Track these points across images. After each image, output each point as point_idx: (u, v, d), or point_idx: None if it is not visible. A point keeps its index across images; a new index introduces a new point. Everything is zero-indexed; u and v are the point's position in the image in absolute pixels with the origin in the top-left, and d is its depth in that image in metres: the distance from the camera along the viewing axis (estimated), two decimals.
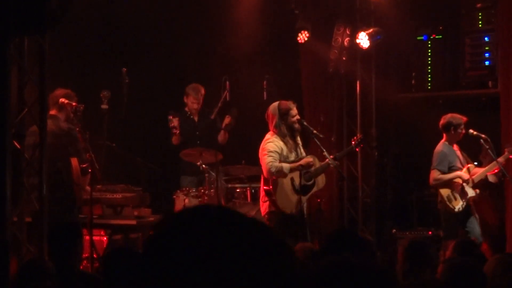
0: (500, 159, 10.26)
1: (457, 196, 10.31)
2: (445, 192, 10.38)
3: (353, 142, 10.37)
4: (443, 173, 10.39)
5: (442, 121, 10.51)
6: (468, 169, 10.43)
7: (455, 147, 10.54)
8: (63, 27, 7.69)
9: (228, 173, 11.47)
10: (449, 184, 10.36)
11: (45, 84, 7.76)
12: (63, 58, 10.49)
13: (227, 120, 11.04)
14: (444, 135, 10.50)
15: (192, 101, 11.52)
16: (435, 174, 10.43)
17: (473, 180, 10.34)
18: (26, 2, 6.76)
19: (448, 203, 10.33)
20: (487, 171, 10.39)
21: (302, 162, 9.41)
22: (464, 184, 10.30)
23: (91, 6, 11.09)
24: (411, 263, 6.36)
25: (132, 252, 5.39)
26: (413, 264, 6.36)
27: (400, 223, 12.53)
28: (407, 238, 8.82)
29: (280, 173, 9.35)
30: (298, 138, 9.75)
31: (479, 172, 10.44)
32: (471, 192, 10.32)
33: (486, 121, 11.59)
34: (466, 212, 10.34)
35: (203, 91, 11.53)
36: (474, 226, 10.30)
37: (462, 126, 10.38)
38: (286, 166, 9.38)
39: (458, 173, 10.36)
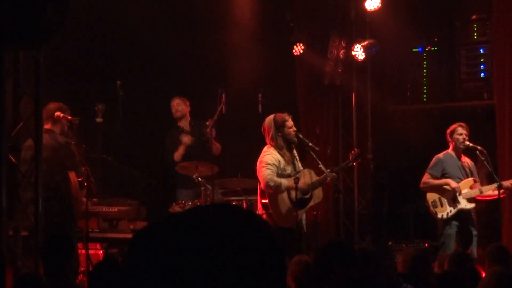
0: (505, 183, 10.19)
1: (445, 203, 10.27)
2: (431, 197, 10.35)
3: (350, 157, 10.33)
4: (435, 178, 10.37)
5: None
6: (474, 181, 10.39)
7: (464, 159, 10.49)
8: (58, 40, 7.69)
9: (224, 186, 11.43)
10: (439, 189, 10.33)
11: (41, 97, 7.74)
12: (58, 71, 10.49)
13: (214, 132, 10.97)
14: (449, 144, 10.51)
15: (172, 111, 11.55)
16: (425, 177, 10.45)
17: (481, 191, 10.29)
18: (21, 16, 6.76)
19: (431, 207, 10.31)
20: (492, 189, 10.31)
21: (300, 185, 9.37)
22: (458, 193, 10.25)
23: (86, 19, 11.09)
24: (412, 271, 6.40)
25: (118, 264, 5.38)
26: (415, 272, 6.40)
27: (396, 235, 12.50)
28: (408, 250, 8.80)
29: (277, 188, 9.32)
30: (295, 151, 9.73)
31: (475, 189, 10.38)
32: (464, 204, 10.26)
33: (482, 132, 11.60)
34: (466, 229, 10.27)
35: (183, 100, 11.53)
36: (473, 248, 10.19)
37: (459, 131, 10.34)
38: (284, 183, 9.36)
39: (447, 180, 10.30)
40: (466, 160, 10.52)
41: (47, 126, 9.03)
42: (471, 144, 10.32)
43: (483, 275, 7.19)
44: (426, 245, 11.46)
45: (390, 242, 11.90)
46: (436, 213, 10.29)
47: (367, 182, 12.96)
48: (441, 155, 10.45)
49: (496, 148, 11.42)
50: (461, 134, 10.33)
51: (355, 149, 10.84)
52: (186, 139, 11.28)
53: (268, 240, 1.55)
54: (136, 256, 1.54)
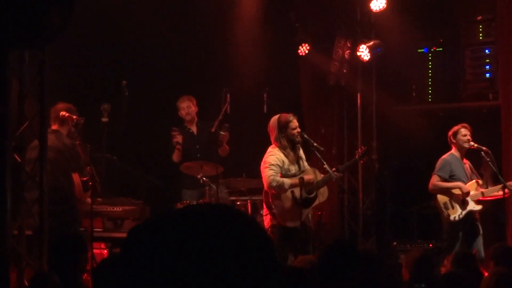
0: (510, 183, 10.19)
1: (456, 205, 10.26)
2: (442, 199, 10.33)
3: (356, 155, 10.34)
4: (444, 180, 10.35)
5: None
6: (477, 183, 10.39)
7: (465, 160, 10.50)
8: (63, 40, 7.70)
9: (228, 186, 11.44)
10: (448, 192, 10.32)
11: (46, 97, 7.75)
12: (63, 71, 10.49)
13: (226, 135, 10.95)
14: (452, 146, 10.51)
15: (182, 113, 11.50)
16: (434, 180, 10.39)
17: (482, 193, 10.29)
18: (26, 16, 6.77)
19: (444, 209, 10.29)
20: (495, 191, 10.31)
21: (304, 177, 9.39)
22: (468, 196, 10.24)
23: (91, 19, 11.10)
24: (417, 273, 6.41)
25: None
26: (419, 274, 6.41)
27: (400, 236, 12.50)
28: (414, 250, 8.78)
29: (281, 188, 9.32)
30: (302, 152, 9.73)
31: (478, 191, 10.37)
32: (472, 205, 10.26)
33: (487, 133, 11.57)
34: (473, 230, 10.27)
35: (192, 101, 11.51)
36: (480, 248, 10.18)
37: (463, 132, 10.35)
38: (287, 181, 9.34)
39: (458, 183, 10.28)
40: (466, 162, 10.53)
41: (54, 126, 9.06)
42: (476, 145, 10.31)
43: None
44: (431, 245, 11.46)
45: (394, 243, 11.90)
46: (449, 215, 10.26)
47: (371, 183, 12.96)
48: (447, 156, 10.45)
49: (501, 148, 11.42)
50: (465, 135, 10.33)
51: (362, 147, 10.87)
52: (177, 139, 11.21)
53: (262, 241, 1.57)
54: (130, 254, 1.56)
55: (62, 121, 9.19)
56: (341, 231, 12.99)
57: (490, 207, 10.96)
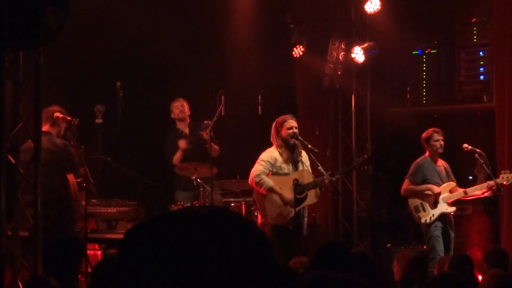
0: (497, 180, 10.22)
1: (427, 207, 10.34)
2: (413, 202, 10.47)
3: (355, 162, 10.45)
4: (415, 184, 10.44)
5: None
6: (451, 185, 10.44)
7: (440, 163, 10.57)
8: (58, 41, 7.69)
9: (223, 187, 11.46)
10: (419, 195, 10.40)
11: (40, 98, 7.73)
12: (58, 72, 10.49)
13: (205, 135, 10.95)
14: (426, 150, 10.61)
15: (175, 112, 11.51)
16: (405, 184, 10.56)
17: (465, 192, 10.35)
18: (21, 17, 6.76)
19: (414, 213, 10.43)
20: (482, 188, 10.34)
21: (285, 195, 9.45)
22: (441, 197, 10.31)
23: (86, 20, 11.10)
24: (412, 275, 6.43)
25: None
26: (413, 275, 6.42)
27: (395, 238, 12.51)
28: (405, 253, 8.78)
29: (260, 185, 9.54)
30: (303, 157, 9.79)
31: (459, 191, 10.42)
32: (444, 207, 10.31)
33: (481, 135, 11.59)
34: (446, 233, 10.35)
35: (185, 102, 11.53)
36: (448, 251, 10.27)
37: (436, 138, 10.42)
38: (270, 185, 9.46)
39: (428, 185, 10.40)
40: (442, 164, 10.59)
41: (44, 127, 9.03)
42: (470, 147, 10.36)
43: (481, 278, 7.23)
44: (425, 247, 11.47)
45: (389, 244, 11.90)
46: (419, 218, 10.41)
47: (366, 184, 12.97)
48: (420, 161, 10.57)
49: (495, 150, 11.43)
50: (437, 140, 10.44)
51: (364, 156, 10.93)
52: (182, 143, 11.27)
53: (260, 244, 1.58)
54: (128, 254, 1.56)
55: (53, 122, 9.17)
56: (335, 233, 12.99)
57: (484, 208, 10.99)
